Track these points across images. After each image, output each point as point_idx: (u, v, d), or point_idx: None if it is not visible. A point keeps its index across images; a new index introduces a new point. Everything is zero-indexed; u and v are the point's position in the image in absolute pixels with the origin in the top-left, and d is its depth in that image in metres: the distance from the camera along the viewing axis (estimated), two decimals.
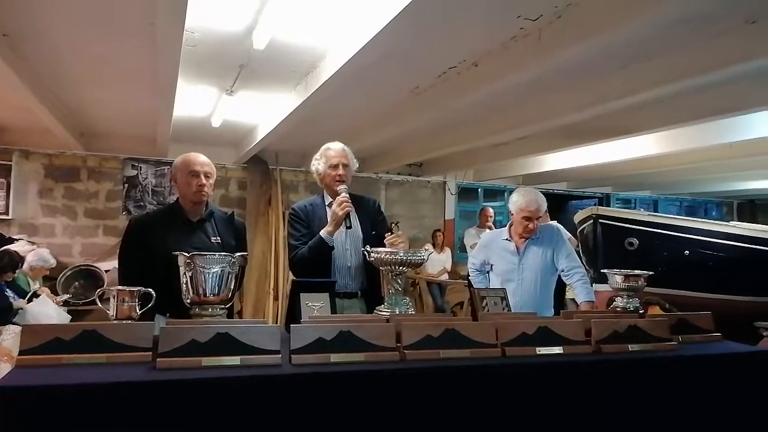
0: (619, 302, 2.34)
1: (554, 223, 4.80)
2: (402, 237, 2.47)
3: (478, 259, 3.49)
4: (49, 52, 4.10)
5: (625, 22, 2.86)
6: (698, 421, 1.90)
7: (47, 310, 4.97)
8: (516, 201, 3.22)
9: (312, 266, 2.59)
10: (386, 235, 2.53)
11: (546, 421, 1.70)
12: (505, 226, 3.47)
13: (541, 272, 3.23)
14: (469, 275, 3.68)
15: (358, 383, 1.55)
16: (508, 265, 3.27)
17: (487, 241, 3.53)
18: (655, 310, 4.34)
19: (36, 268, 5.43)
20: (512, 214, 3.29)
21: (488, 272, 3.42)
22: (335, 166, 2.73)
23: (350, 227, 2.64)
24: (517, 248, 3.27)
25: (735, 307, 5.34)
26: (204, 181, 2.61)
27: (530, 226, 3.18)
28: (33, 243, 6.82)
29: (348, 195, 2.65)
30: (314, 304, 2.12)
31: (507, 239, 3.33)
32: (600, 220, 6.15)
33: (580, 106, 4.68)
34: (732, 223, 7.03)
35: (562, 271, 3.24)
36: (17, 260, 4.97)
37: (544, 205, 3.24)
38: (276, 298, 7.76)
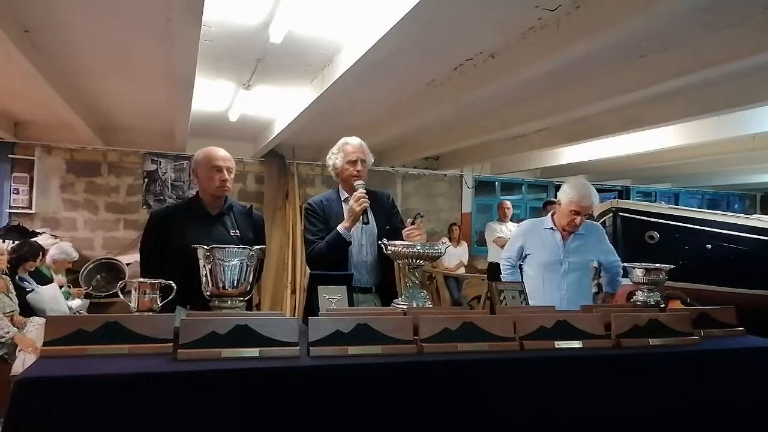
0: (640, 296, 2.32)
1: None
2: (420, 230, 2.46)
3: (513, 250, 3.33)
4: (68, 48, 4.15)
5: (643, 11, 2.81)
6: (720, 416, 1.87)
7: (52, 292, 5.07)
8: (568, 193, 3.08)
9: (329, 262, 2.58)
10: (406, 222, 2.52)
11: (564, 415, 1.69)
12: (541, 216, 3.39)
13: (585, 268, 3.21)
14: (501, 272, 3.47)
15: (375, 375, 1.55)
16: (552, 256, 3.17)
17: (525, 230, 3.40)
18: (676, 304, 4.28)
19: (59, 261, 5.52)
20: (559, 205, 3.17)
21: (521, 265, 3.32)
22: (353, 162, 2.71)
23: (367, 223, 2.62)
24: (563, 239, 3.18)
25: (758, 302, 5.25)
26: (226, 175, 2.64)
27: (577, 220, 3.07)
28: (55, 237, 6.97)
29: (365, 190, 2.63)
30: (332, 297, 2.13)
31: (551, 228, 3.21)
32: (620, 214, 6.08)
33: (599, 97, 4.62)
34: (755, 215, 6.91)
35: (603, 264, 3.26)
36: (37, 249, 5.04)
37: (597, 201, 3.14)
38: (293, 291, 7.81)
